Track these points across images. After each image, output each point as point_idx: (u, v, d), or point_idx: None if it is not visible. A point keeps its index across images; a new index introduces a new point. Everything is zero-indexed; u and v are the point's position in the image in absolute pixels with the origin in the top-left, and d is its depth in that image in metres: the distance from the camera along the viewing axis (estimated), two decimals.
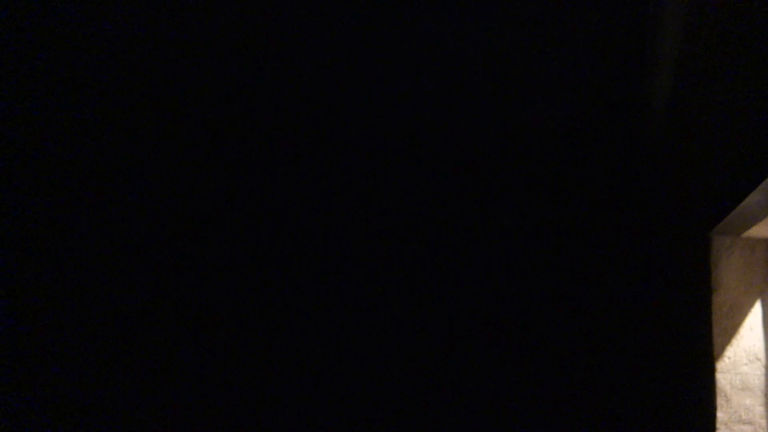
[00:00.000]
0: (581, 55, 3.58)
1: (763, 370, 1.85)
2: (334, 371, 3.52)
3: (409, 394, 3.47)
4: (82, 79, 3.76)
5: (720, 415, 1.86)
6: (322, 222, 3.60)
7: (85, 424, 3.55)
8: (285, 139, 3.68)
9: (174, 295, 3.62)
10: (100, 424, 3.54)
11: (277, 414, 3.52)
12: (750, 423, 1.84)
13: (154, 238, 3.66)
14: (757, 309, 1.87)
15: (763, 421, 1.84)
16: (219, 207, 3.66)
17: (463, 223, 3.56)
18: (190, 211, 3.67)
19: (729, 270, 1.89)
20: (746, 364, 1.86)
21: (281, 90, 3.70)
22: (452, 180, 3.58)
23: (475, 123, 3.60)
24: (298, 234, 3.61)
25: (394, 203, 3.57)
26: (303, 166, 3.65)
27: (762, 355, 1.85)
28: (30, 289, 3.65)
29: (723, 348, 1.87)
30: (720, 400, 1.86)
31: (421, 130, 3.62)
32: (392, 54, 3.67)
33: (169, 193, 3.68)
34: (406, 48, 3.66)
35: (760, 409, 1.84)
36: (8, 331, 3.61)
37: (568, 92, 3.57)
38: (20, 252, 3.67)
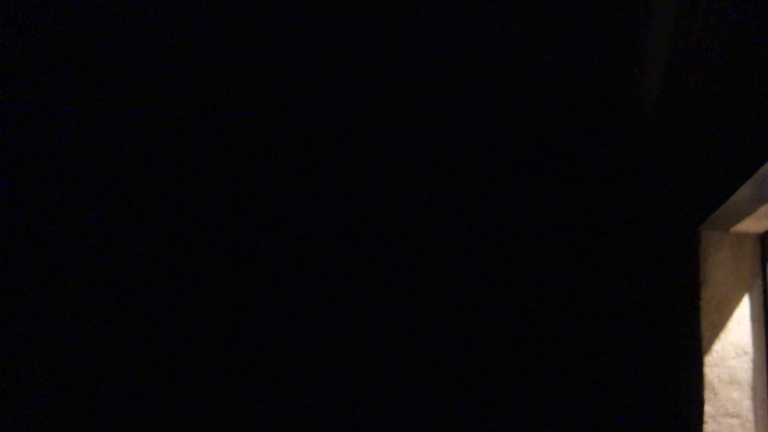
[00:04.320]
0: (571, 53, 3.58)
1: (750, 363, 1.86)
2: (332, 371, 3.52)
3: (407, 394, 3.47)
4: (81, 78, 3.72)
5: (708, 408, 1.87)
6: (318, 220, 3.59)
7: (84, 424, 3.54)
8: (283, 138, 3.66)
9: (172, 295, 3.60)
10: (99, 424, 3.53)
11: (277, 414, 3.52)
12: (737, 416, 1.85)
13: (153, 240, 3.64)
14: (745, 303, 1.88)
15: (750, 415, 1.85)
16: (214, 208, 3.65)
17: (454, 217, 3.56)
18: (186, 213, 3.65)
19: (718, 264, 1.90)
20: (734, 358, 1.87)
21: (278, 90, 3.68)
22: (444, 176, 3.58)
23: (467, 120, 3.59)
24: (296, 233, 3.60)
25: (388, 202, 3.56)
26: (300, 165, 3.64)
27: (750, 348, 1.86)
28: (30, 289, 3.63)
29: (711, 342, 1.88)
30: (708, 394, 1.87)
31: (416, 128, 3.61)
32: (387, 53, 3.66)
33: (165, 194, 3.66)
34: (402, 48, 3.65)
35: (747, 403, 1.85)
36: (8, 331, 3.58)
37: (558, 90, 3.57)
38: (20, 252, 3.64)
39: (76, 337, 3.60)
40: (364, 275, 3.55)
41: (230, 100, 3.70)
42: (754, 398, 1.85)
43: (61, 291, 3.64)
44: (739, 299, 1.89)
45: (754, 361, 1.86)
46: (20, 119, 3.69)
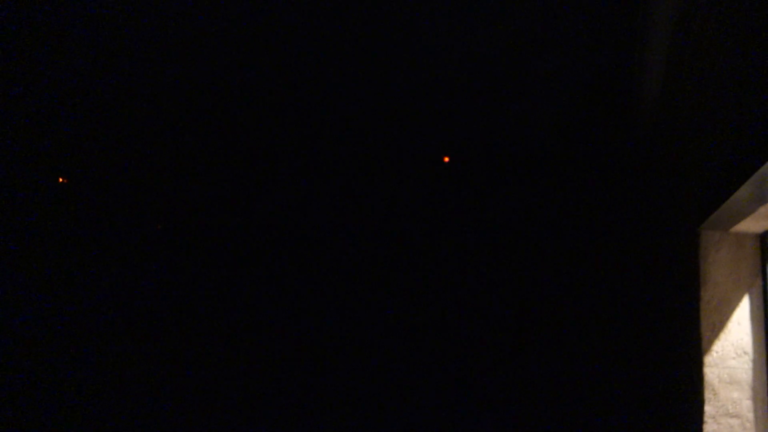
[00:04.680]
0: (573, 54, 3.58)
1: (750, 364, 1.86)
2: (331, 372, 3.52)
3: (406, 394, 3.47)
4: (82, 79, 3.72)
5: (708, 408, 1.87)
6: (318, 220, 3.59)
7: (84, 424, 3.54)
8: (283, 138, 3.66)
9: (171, 296, 3.60)
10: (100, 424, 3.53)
11: (277, 414, 3.52)
12: (737, 416, 1.85)
13: (152, 240, 3.64)
14: (745, 303, 1.88)
15: (750, 415, 1.85)
16: (214, 208, 3.64)
17: (453, 217, 3.55)
18: (186, 213, 3.65)
19: (717, 265, 1.90)
20: (734, 358, 1.87)
21: (277, 90, 3.68)
22: (443, 175, 3.58)
23: (467, 121, 3.59)
24: (296, 233, 3.60)
25: (388, 202, 3.56)
26: (299, 165, 3.64)
27: (749, 349, 1.86)
28: (31, 289, 3.62)
29: (711, 342, 1.88)
30: (708, 394, 1.87)
31: (415, 128, 3.61)
32: (388, 54, 3.66)
33: (165, 194, 3.66)
34: (402, 49, 3.65)
35: (747, 403, 1.85)
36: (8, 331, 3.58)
37: (560, 90, 3.57)
38: (20, 252, 3.64)
39: (77, 337, 3.60)
40: (364, 275, 3.55)
41: (231, 100, 3.70)
42: (754, 398, 1.85)
43: (62, 291, 3.64)
44: (738, 299, 1.89)
45: (754, 362, 1.86)
46: (21, 119, 3.70)
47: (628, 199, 3.48)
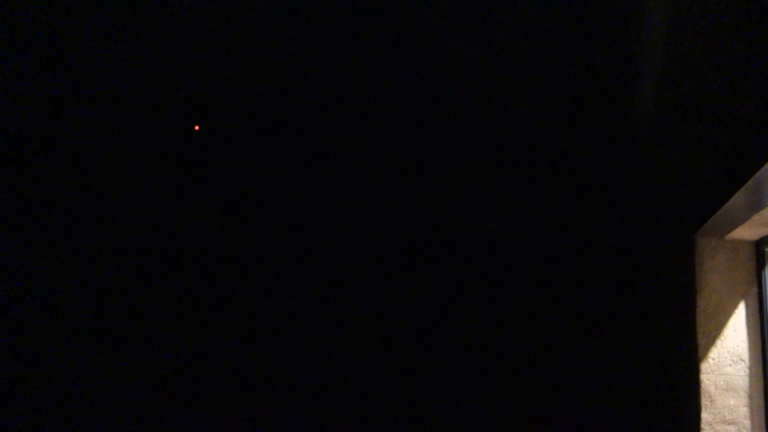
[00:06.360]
0: (567, 61, 3.60)
1: (746, 370, 1.86)
2: (332, 372, 3.51)
3: (406, 394, 3.46)
4: (83, 79, 3.72)
5: (704, 415, 1.87)
6: (315, 222, 3.59)
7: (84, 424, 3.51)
8: (281, 140, 3.66)
9: (173, 297, 3.59)
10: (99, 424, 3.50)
11: (278, 414, 3.50)
12: (734, 423, 1.85)
13: (152, 240, 3.63)
14: (740, 310, 1.89)
15: (747, 422, 1.85)
16: (214, 209, 3.64)
17: (452, 223, 3.56)
18: (185, 213, 3.65)
19: (713, 272, 1.91)
20: (730, 365, 1.87)
21: (277, 91, 3.69)
22: (439, 181, 3.58)
23: (464, 127, 3.60)
24: (294, 235, 3.60)
25: (387, 203, 3.56)
26: (295, 167, 3.64)
27: (746, 356, 1.87)
28: (30, 290, 3.61)
29: (707, 349, 1.89)
30: (704, 401, 1.87)
31: (412, 133, 3.62)
32: (386, 55, 3.67)
33: (165, 195, 3.66)
34: (400, 51, 3.67)
35: (744, 410, 1.85)
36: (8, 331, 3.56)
37: (554, 98, 3.59)
38: (21, 253, 3.62)
39: (79, 337, 3.59)
40: (363, 275, 3.54)
41: (231, 100, 3.70)
42: (751, 405, 1.85)
43: (64, 291, 3.63)
44: (734, 306, 1.89)
45: (750, 368, 1.86)
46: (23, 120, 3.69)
47: (622, 207, 3.49)
